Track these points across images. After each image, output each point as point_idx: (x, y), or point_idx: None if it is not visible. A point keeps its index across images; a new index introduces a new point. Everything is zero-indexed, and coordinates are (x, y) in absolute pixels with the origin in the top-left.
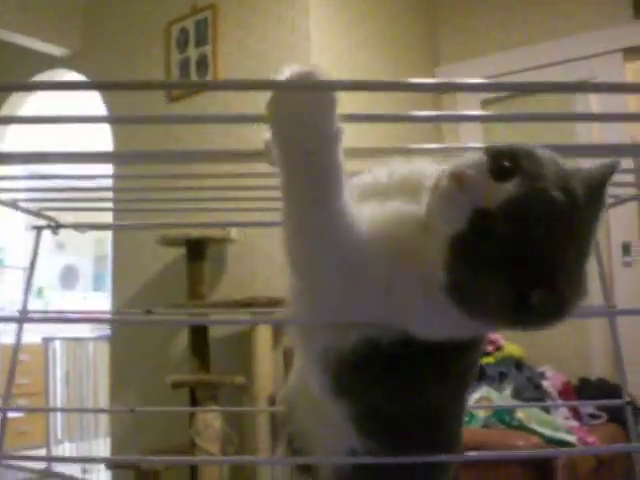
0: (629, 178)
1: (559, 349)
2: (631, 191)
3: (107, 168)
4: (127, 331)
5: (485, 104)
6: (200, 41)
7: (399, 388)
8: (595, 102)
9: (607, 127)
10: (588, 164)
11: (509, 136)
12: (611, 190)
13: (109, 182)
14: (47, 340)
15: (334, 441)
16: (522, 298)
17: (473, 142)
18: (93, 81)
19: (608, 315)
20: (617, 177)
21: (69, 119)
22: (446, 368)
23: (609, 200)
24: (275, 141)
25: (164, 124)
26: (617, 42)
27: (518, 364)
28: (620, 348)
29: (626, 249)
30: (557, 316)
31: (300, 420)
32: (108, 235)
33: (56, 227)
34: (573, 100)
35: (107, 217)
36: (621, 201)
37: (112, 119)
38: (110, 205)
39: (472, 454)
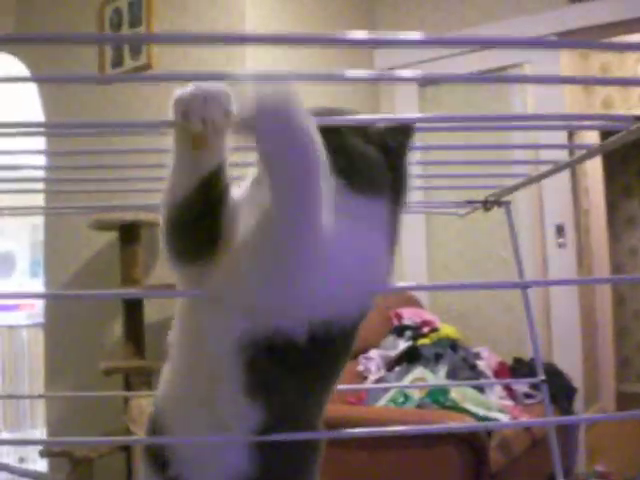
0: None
1: (494, 330)
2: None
3: (34, 144)
4: (61, 318)
5: (422, 86)
6: (134, 22)
7: (309, 385)
8: (530, 85)
9: (543, 112)
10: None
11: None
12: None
13: (37, 161)
14: None
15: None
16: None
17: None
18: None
19: (520, 287)
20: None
21: None
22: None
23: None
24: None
25: (96, 106)
26: (552, 26)
27: (453, 345)
28: (533, 323)
29: (560, 231)
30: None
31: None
32: None
33: None
34: (508, 84)
35: (41, 201)
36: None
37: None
38: (38, 186)
39: (397, 428)
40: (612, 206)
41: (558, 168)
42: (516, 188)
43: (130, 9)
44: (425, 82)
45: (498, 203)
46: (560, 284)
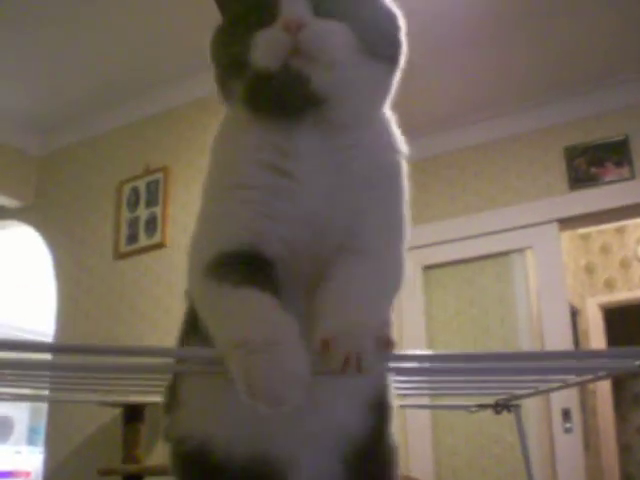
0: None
1: None
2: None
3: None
4: None
5: (427, 269)
6: (151, 201)
7: None
8: (532, 269)
9: (545, 295)
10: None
11: (448, 301)
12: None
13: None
14: None
15: None
16: None
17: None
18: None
19: None
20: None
21: None
22: None
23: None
24: None
25: (108, 281)
26: (553, 213)
27: None
28: None
29: (566, 415)
30: None
31: None
32: None
33: None
34: (511, 266)
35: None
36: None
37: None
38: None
39: None
40: (618, 386)
41: (567, 385)
42: (526, 396)
43: (147, 189)
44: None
45: (508, 407)
46: None
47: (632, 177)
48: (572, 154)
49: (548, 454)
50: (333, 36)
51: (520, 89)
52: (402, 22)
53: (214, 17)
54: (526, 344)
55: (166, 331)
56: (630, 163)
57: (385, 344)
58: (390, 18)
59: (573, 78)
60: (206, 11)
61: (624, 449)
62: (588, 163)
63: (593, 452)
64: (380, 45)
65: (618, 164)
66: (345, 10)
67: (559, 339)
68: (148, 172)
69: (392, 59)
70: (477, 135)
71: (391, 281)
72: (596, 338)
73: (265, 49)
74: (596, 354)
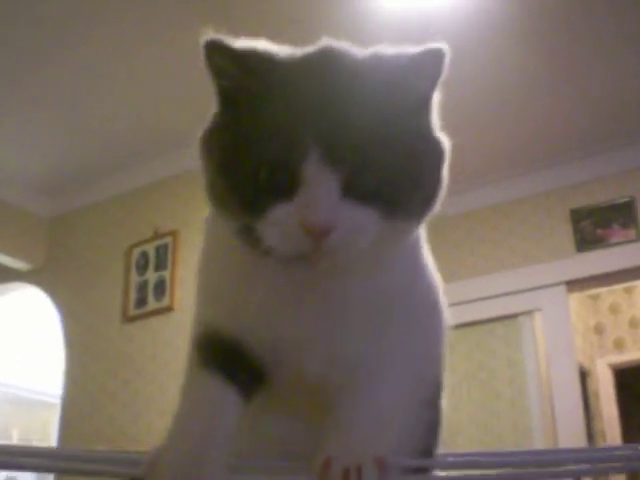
0: None
1: None
2: None
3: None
4: None
5: None
6: (160, 265)
7: None
8: (541, 331)
9: (554, 357)
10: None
11: (457, 364)
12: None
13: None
14: None
15: None
16: None
17: None
18: None
19: None
20: None
21: None
22: None
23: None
24: None
25: (117, 345)
26: (560, 275)
27: None
28: None
29: None
30: None
31: None
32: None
33: None
34: (520, 329)
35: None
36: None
37: None
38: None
39: None
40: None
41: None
42: None
43: (157, 253)
44: None
45: None
46: None
47: (638, 239)
48: (578, 216)
49: None
50: (360, 233)
51: (524, 153)
52: (446, 151)
53: None
54: (535, 407)
55: (174, 395)
56: (636, 225)
57: (380, 465)
58: (433, 161)
59: (577, 141)
60: None
61: None
62: (594, 225)
63: None
64: (412, 210)
65: (624, 226)
66: (379, 184)
67: (569, 401)
68: (157, 236)
69: (424, 214)
70: (483, 198)
71: (411, 392)
72: (606, 399)
73: (280, 240)
74: None
